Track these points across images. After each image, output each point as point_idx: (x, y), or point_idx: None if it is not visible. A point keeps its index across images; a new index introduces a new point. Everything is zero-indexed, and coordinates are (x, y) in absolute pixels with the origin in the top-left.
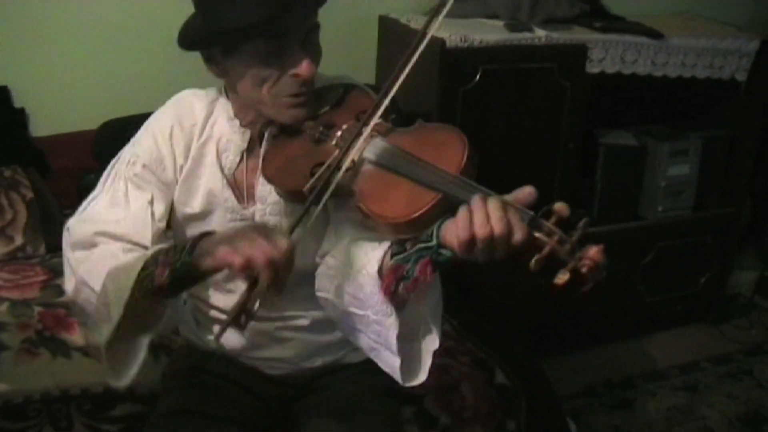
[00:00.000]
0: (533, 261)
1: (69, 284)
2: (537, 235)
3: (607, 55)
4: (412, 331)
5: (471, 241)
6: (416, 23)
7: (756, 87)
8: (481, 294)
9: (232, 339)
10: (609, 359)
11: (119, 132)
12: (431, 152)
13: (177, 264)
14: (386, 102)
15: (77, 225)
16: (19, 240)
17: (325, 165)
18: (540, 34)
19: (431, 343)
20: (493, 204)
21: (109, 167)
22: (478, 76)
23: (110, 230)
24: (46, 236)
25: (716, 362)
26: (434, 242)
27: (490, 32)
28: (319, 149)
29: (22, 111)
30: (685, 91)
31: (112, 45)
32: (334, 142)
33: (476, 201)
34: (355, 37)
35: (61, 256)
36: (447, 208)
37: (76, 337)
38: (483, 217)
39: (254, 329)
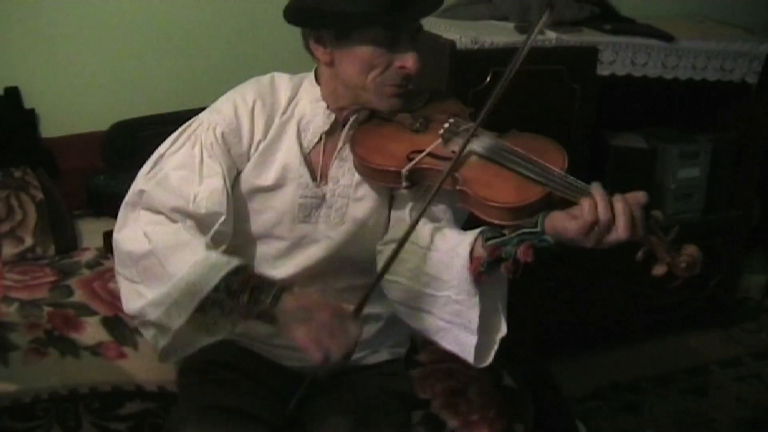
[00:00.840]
0: (640, 253)
1: (130, 237)
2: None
3: (618, 57)
4: (486, 316)
5: (592, 225)
6: (426, 25)
7: (766, 89)
8: None
9: (258, 324)
10: (617, 362)
11: (129, 133)
12: (534, 154)
13: (255, 315)
14: (492, 102)
15: (155, 190)
16: (28, 241)
17: (426, 151)
18: (550, 36)
19: (501, 329)
20: (616, 196)
21: (182, 128)
22: (488, 78)
23: (188, 209)
24: (55, 237)
25: (725, 366)
26: (539, 229)
27: (500, 34)
28: (417, 138)
29: (32, 112)
30: (696, 94)
31: (122, 47)
32: (441, 131)
33: (598, 190)
34: None
35: (69, 257)
36: (549, 202)
37: (84, 336)
38: (607, 203)
39: None
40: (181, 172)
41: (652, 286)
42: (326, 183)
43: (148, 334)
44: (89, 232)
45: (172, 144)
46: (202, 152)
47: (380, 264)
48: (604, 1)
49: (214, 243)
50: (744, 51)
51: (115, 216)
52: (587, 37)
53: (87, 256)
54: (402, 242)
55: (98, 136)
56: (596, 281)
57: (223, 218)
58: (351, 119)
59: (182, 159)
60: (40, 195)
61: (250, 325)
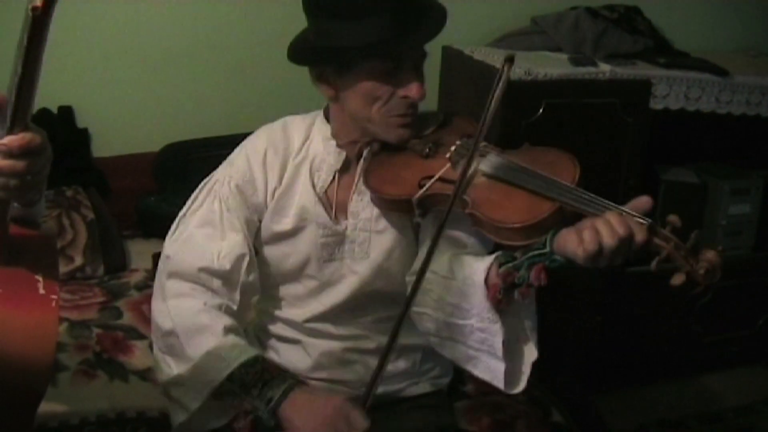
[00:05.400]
0: (654, 263)
1: (159, 310)
2: (655, 240)
3: (671, 91)
4: (514, 340)
5: (598, 251)
6: (479, 55)
7: None
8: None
9: (296, 359)
10: (663, 399)
11: (180, 155)
12: (545, 168)
13: (259, 414)
14: (489, 116)
15: (179, 254)
16: (78, 260)
17: (435, 177)
18: (604, 68)
19: (530, 353)
20: (615, 215)
21: (201, 185)
22: (541, 110)
23: (214, 267)
24: (105, 257)
25: None
26: (548, 249)
27: (553, 66)
28: (428, 163)
29: (85, 131)
30: (749, 130)
31: (175, 69)
32: (447, 155)
33: (599, 214)
34: None
35: (118, 278)
36: (562, 217)
37: (133, 360)
38: (608, 227)
39: (321, 349)
40: (204, 229)
41: (700, 322)
42: (345, 218)
43: (171, 408)
44: (138, 253)
45: (193, 202)
46: (221, 207)
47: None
48: (658, 34)
49: (243, 295)
50: None
51: (164, 237)
52: (641, 70)
53: (136, 278)
54: (420, 275)
55: (150, 157)
56: (644, 317)
57: (246, 270)
58: (365, 152)
59: (204, 216)
60: (91, 215)
61: (289, 358)
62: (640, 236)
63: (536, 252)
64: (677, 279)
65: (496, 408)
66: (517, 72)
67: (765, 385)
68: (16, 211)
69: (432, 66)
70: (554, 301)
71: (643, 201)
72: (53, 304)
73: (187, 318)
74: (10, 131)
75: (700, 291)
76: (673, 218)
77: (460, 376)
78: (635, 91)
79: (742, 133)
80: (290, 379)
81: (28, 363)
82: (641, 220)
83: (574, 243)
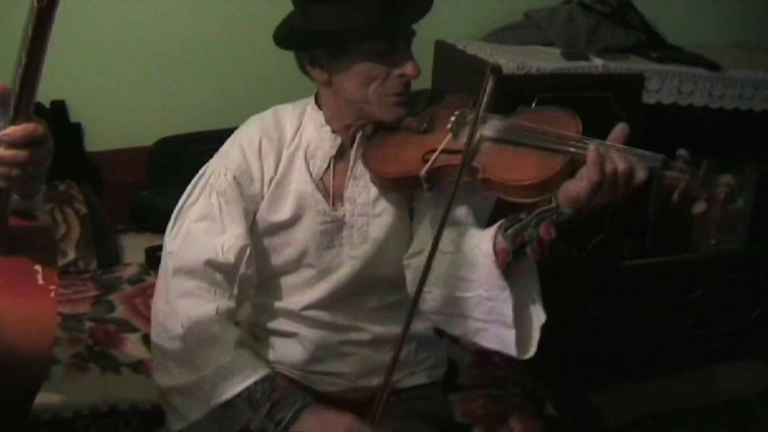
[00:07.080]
0: (674, 195)
1: (165, 312)
2: (670, 174)
3: (664, 85)
4: (521, 306)
5: (599, 182)
6: (472, 49)
7: None
8: None
9: (291, 352)
10: (657, 393)
11: (174, 149)
12: (546, 125)
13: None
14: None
15: (182, 249)
16: (71, 254)
17: (440, 149)
18: (597, 63)
19: (538, 317)
20: (614, 150)
21: (195, 180)
22: (534, 104)
23: (218, 260)
24: (98, 252)
25: (767, 399)
26: (554, 204)
27: (546, 60)
28: (427, 138)
29: (77, 126)
30: (741, 124)
31: (168, 63)
32: (449, 126)
33: (593, 149)
34: None
35: (111, 272)
36: (573, 168)
37: (125, 353)
38: (602, 156)
39: (315, 342)
40: (203, 223)
41: (694, 315)
42: (342, 205)
43: (169, 413)
44: (131, 247)
45: (189, 196)
46: (219, 200)
47: (408, 277)
48: (651, 28)
49: (241, 290)
50: None
51: (157, 231)
52: (634, 64)
53: (129, 272)
54: (430, 257)
55: (143, 152)
56: (638, 311)
57: (246, 263)
58: (358, 136)
59: (201, 210)
60: (84, 209)
61: (285, 352)
62: (640, 171)
63: (543, 209)
64: (698, 207)
65: (490, 400)
66: (510, 66)
67: (759, 379)
68: (15, 203)
69: (425, 60)
70: (548, 294)
71: (619, 129)
72: (52, 294)
73: (199, 326)
74: (14, 122)
75: (720, 217)
76: (682, 152)
77: (455, 368)
78: (628, 86)
79: (734, 128)
80: (300, 399)
81: (26, 353)
82: (650, 158)
83: (575, 183)
